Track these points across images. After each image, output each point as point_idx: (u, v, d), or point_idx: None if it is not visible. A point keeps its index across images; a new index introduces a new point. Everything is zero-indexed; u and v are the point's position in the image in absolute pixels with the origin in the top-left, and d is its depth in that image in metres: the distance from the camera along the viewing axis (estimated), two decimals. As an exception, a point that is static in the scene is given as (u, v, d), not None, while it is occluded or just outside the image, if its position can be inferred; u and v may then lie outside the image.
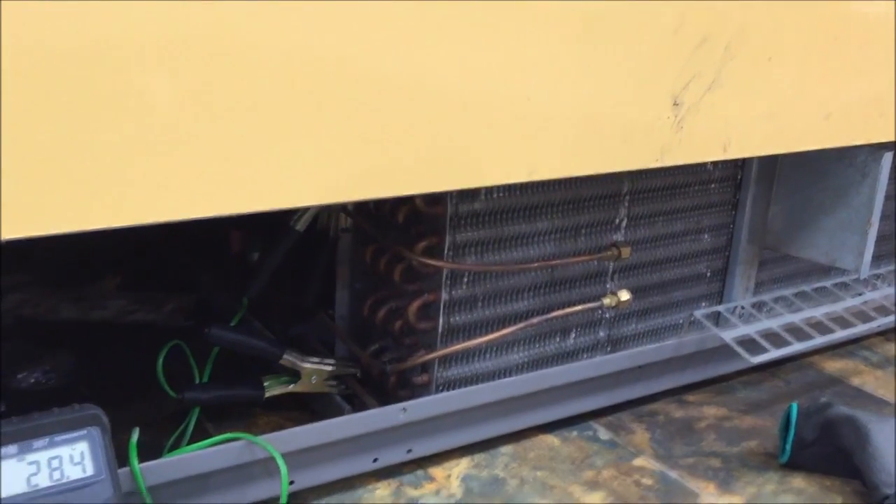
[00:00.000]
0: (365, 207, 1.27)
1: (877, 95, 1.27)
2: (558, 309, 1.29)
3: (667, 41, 1.03)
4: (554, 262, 1.27)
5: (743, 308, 1.52)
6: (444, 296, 1.20)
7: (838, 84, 1.22)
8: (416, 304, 1.19)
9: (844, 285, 1.59)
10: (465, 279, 1.21)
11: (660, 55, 1.04)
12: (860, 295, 1.58)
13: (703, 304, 1.52)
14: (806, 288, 1.56)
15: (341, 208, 1.29)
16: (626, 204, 1.35)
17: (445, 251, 1.18)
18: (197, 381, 1.24)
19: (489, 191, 1.18)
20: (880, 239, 1.73)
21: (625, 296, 1.31)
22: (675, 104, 1.07)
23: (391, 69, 0.85)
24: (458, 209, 1.17)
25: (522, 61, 0.93)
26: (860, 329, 1.47)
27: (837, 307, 1.50)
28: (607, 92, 1.01)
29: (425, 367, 1.22)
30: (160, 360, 1.22)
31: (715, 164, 1.43)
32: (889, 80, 1.28)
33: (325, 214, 1.29)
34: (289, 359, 1.20)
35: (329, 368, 1.23)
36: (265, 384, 1.19)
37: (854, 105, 1.25)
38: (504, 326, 1.24)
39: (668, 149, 1.09)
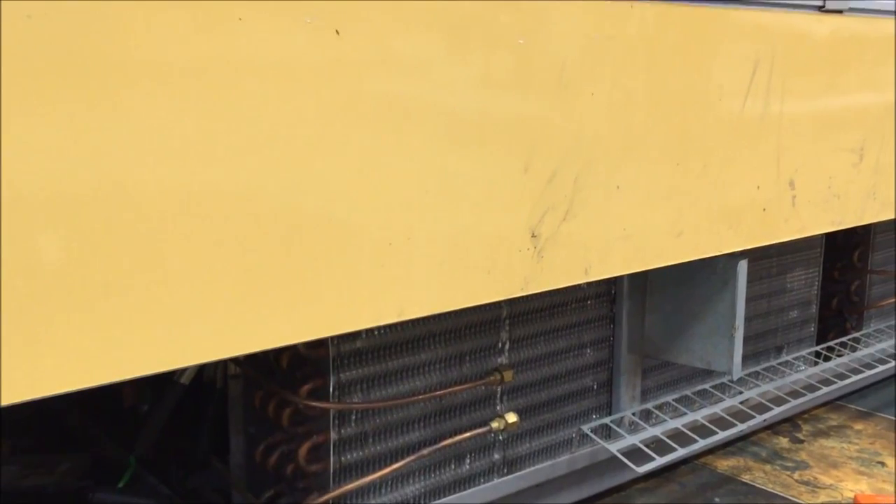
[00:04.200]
0: (252, 354, 1.30)
1: (724, 211, 1.38)
2: (450, 437, 1.32)
3: (518, 179, 1.12)
4: (439, 393, 1.30)
5: (634, 415, 1.58)
6: (334, 436, 1.22)
7: (685, 204, 1.32)
8: (305, 447, 1.21)
9: (724, 386, 1.67)
10: (354, 417, 1.24)
11: (513, 192, 1.12)
12: (740, 394, 1.66)
13: (594, 416, 1.57)
14: (688, 392, 1.63)
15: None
16: (507, 328, 1.41)
17: (331, 392, 1.21)
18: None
19: (370, 329, 1.23)
20: (756, 337, 1.83)
21: (512, 418, 1.35)
22: (534, 236, 1.15)
23: (270, 218, 0.90)
24: (340, 349, 1.21)
25: (382, 213, 0.99)
26: (738, 429, 1.54)
27: (717, 408, 1.58)
28: (466, 232, 1.08)
29: (320, 510, 1.23)
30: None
31: (588, 282, 1.50)
32: (733, 195, 1.39)
33: (212, 365, 1.31)
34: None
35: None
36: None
37: (703, 221, 1.35)
38: (397, 460, 1.26)
39: (531, 278, 1.15)
